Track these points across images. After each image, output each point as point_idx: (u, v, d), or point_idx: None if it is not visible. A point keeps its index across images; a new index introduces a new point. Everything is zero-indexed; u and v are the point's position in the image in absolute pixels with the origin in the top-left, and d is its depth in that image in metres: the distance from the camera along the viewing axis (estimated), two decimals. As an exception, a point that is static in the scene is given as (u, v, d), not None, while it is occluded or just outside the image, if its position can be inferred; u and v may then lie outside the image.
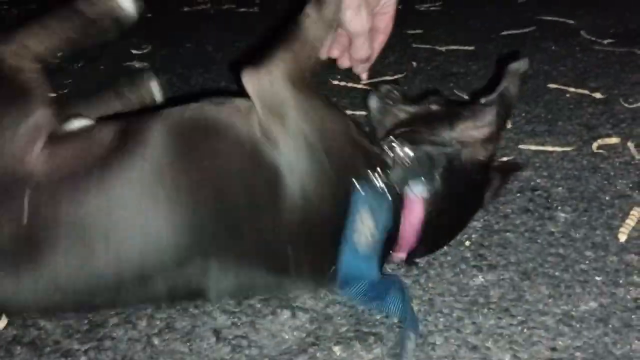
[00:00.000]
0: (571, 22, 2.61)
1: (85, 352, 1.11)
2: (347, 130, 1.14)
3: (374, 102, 1.33)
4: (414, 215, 1.15)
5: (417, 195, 1.14)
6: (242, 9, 3.11)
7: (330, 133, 1.11)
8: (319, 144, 1.07)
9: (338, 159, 1.09)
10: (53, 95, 2.14)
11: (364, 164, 1.12)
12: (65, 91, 2.19)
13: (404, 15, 2.94)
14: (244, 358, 1.09)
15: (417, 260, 1.29)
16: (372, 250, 1.11)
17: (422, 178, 1.14)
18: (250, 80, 1.11)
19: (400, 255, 1.21)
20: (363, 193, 1.09)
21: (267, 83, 1.09)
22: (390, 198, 1.11)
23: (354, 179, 1.09)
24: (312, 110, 1.10)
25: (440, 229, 1.21)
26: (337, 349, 1.09)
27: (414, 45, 2.45)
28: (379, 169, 1.12)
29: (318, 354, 1.09)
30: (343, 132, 1.13)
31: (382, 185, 1.11)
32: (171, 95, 2.12)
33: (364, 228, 1.10)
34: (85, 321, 1.17)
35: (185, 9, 3.16)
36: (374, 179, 1.11)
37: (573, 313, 1.14)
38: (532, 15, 2.70)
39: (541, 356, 1.06)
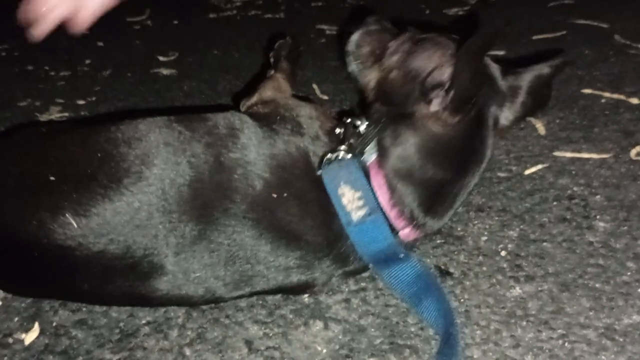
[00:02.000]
0: (604, 25, 2.55)
1: (117, 362, 1.10)
2: (313, 113, 1.27)
3: (355, 36, 1.35)
4: (377, 179, 1.17)
5: (371, 160, 1.19)
6: (268, 15, 3.11)
7: (298, 117, 1.24)
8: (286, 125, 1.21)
9: (301, 136, 1.20)
10: (82, 102, 2.17)
11: (328, 141, 1.22)
12: (94, 99, 2.20)
13: (431, 20, 2.92)
14: (277, 370, 1.07)
15: (452, 270, 1.26)
16: (372, 213, 1.14)
17: (372, 144, 1.19)
18: (244, 104, 1.39)
19: (400, 226, 1.18)
20: (331, 168, 1.16)
21: (255, 97, 1.39)
22: (358, 164, 1.17)
23: (321, 156, 1.18)
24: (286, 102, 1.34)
25: (419, 186, 1.16)
26: (371, 362, 1.07)
27: (443, 50, 2.42)
28: (344, 145, 1.19)
29: (352, 367, 1.07)
30: (308, 115, 1.26)
31: (348, 155, 1.17)
32: (198, 101, 2.13)
33: (349, 199, 1.14)
34: (117, 330, 1.16)
35: (212, 15, 3.17)
36: (340, 152, 1.17)
37: (616, 327, 1.10)
38: (564, 19, 2.64)
39: (584, 372, 1.03)
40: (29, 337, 1.16)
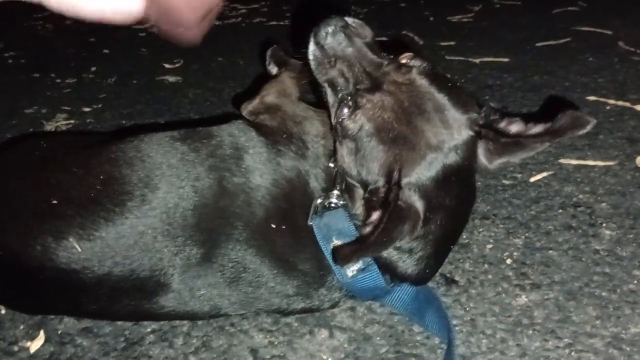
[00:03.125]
0: (608, 32, 2.55)
1: (123, 370, 1.10)
2: (320, 129, 1.21)
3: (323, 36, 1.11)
4: None
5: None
6: (273, 22, 3.11)
7: (304, 134, 1.20)
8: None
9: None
10: (87, 109, 2.18)
11: (327, 165, 1.17)
12: (100, 106, 2.20)
13: (435, 27, 2.92)
14: (282, 379, 1.07)
15: (457, 278, 1.26)
16: (366, 268, 1.09)
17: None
18: (246, 107, 1.34)
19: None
20: (323, 221, 1.10)
21: (257, 100, 1.33)
22: (348, 215, 1.11)
23: (314, 205, 1.13)
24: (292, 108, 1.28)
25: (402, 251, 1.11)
26: (377, 371, 1.07)
27: (448, 57, 2.42)
28: (336, 190, 1.13)
29: (358, 376, 1.06)
30: (315, 132, 1.21)
31: (340, 201, 1.13)
32: (203, 109, 2.14)
33: None
34: (122, 339, 1.16)
35: (217, 22, 3.17)
36: (331, 199, 1.12)
37: (623, 336, 1.10)
38: (567, 26, 2.65)
39: (591, 381, 1.02)
40: (35, 345, 1.16)
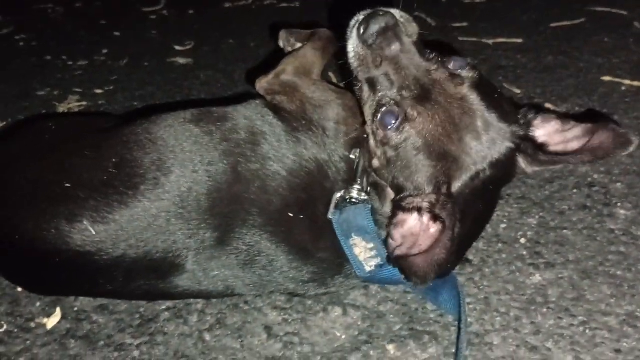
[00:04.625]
0: (623, 12, 2.51)
1: (138, 346, 1.11)
2: (341, 114, 1.16)
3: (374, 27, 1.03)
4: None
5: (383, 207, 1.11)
6: (284, 4, 3.09)
7: (324, 120, 1.15)
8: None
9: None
10: (99, 91, 2.18)
11: (347, 154, 1.13)
12: (111, 88, 2.21)
13: (448, 8, 2.89)
14: (296, 355, 1.08)
15: (471, 257, 1.25)
16: (384, 264, 1.07)
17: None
18: (260, 82, 1.25)
19: None
20: (342, 217, 1.07)
21: (273, 76, 1.24)
22: (369, 211, 1.08)
23: (336, 198, 1.10)
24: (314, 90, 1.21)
25: None
26: (391, 348, 1.07)
27: (460, 39, 2.39)
28: (357, 184, 1.10)
29: (372, 352, 1.07)
30: (335, 118, 1.16)
31: (361, 195, 1.09)
32: (215, 90, 2.14)
33: (361, 249, 1.07)
34: (137, 316, 1.17)
35: (227, 5, 3.16)
36: (353, 192, 1.09)
37: (637, 314, 1.09)
38: (582, 7, 2.61)
39: (605, 358, 1.02)
40: (51, 322, 1.17)
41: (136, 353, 1.10)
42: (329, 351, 1.08)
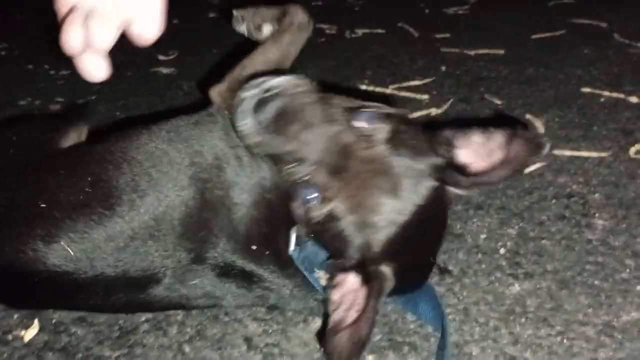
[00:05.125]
0: (604, 25, 2.56)
1: (117, 358, 1.10)
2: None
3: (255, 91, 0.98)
4: None
5: None
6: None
7: None
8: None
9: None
10: (81, 101, 2.17)
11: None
12: (93, 98, 2.20)
13: (431, 20, 2.92)
14: (276, 367, 1.08)
15: (451, 268, 1.26)
16: None
17: None
18: (213, 92, 1.24)
19: None
20: (302, 255, 1.06)
21: (226, 84, 1.23)
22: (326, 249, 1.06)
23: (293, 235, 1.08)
24: None
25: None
26: (370, 358, 1.07)
27: (443, 50, 2.42)
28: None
29: (351, 364, 1.07)
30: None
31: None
32: (198, 101, 2.13)
33: (326, 279, 1.06)
34: (116, 327, 1.16)
35: (212, 15, 3.17)
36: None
37: (614, 324, 1.10)
38: (563, 18, 2.65)
39: (582, 368, 1.03)
40: (29, 334, 1.16)
41: (114, 365, 1.09)
42: (308, 362, 1.08)
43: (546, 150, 0.99)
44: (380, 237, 0.99)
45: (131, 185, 1.09)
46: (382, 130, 1.01)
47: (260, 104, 0.97)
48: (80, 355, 1.11)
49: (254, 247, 1.09)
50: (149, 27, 0.79)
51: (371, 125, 1.02)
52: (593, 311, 1.13)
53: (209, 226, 1.09)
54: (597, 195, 1.45)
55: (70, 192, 1.09)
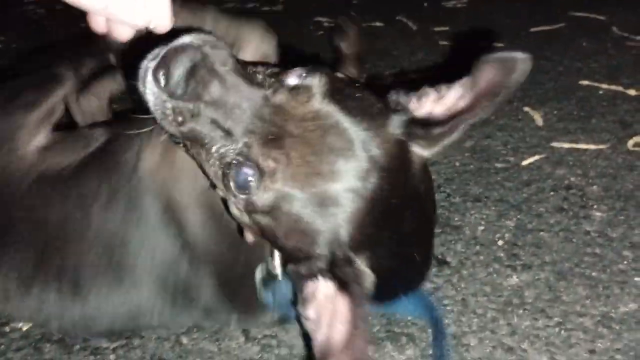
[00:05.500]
0: (602, 18, 2.55)
1: (114, 350, 1.10)
2: None
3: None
4: None
5: None
6: (266, 8, 3.10)
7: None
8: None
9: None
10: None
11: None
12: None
13: (430, 13, 2.91)
14: (274, 358, 1.08)
15: (449, 259, 1.26)
16: None
17: None
18: None
19: None
20: (270, 295, 1.01)
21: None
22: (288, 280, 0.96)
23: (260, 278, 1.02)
24: None
25: None
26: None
27: (441, 43, 2.41)
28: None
29: (349, 355, 1.07)
30: None
31: (275, 272, 0.97)
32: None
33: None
34: (114, 319, 1.16)
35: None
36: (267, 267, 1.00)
37: (612, 314, 1.10)
38: (562, 11, 2.64)
39: (580, 358, 1.03)
40: (26, 326, 1.16)
41: (112, 357, 1.09)
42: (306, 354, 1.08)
43: (526, 61, 0.78)
44: (344, 215, 0.78)
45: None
46: (319, 81, 0.80)
47: (166, 66, 0.75)
48: (77, 346, 1.11)
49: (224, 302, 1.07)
50: (162, 27, 0.84)
51: (304, 81, 0.80)
52: (591, 302, 1.13)
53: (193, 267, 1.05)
54: (595, 187, 1.45)
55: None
